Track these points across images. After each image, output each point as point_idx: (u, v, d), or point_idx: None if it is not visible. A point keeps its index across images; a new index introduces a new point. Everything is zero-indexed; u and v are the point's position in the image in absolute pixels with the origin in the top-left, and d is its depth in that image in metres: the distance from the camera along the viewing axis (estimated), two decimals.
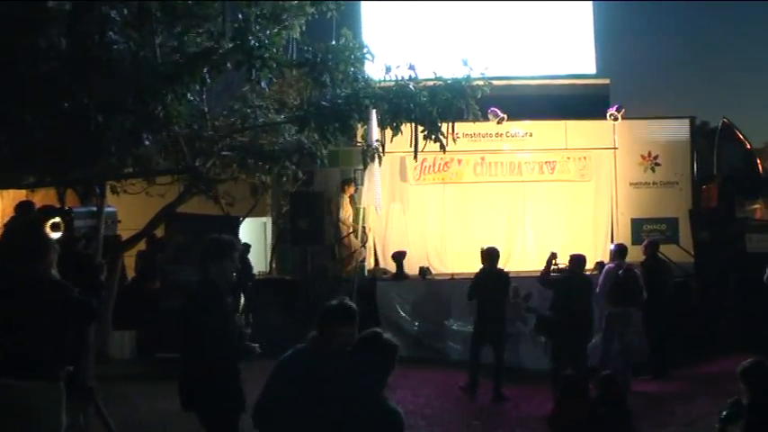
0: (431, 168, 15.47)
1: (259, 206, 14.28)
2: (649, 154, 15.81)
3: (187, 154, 10.34)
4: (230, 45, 8.86)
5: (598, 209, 15.81)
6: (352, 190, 14.67)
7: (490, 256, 11.44)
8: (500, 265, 11.75)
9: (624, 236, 15.23)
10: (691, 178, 15.81)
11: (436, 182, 15.62)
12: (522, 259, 15.07)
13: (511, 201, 15.74)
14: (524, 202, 15.73)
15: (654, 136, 15.95)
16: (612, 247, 12.63)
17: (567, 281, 11.07)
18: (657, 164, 15.77)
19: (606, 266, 11.83)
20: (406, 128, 10.92)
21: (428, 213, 15.70)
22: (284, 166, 11.45)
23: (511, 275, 11.82)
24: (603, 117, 15.30)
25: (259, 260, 15.22)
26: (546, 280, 11.28)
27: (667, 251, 13.67)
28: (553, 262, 11.40)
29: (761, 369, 6.22)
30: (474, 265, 11.89)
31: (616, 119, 15.23)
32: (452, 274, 14.44)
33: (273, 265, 15.28)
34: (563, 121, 15.62)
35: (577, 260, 11.15)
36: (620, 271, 11.40)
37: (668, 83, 19.67)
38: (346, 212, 14.52)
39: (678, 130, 15.96)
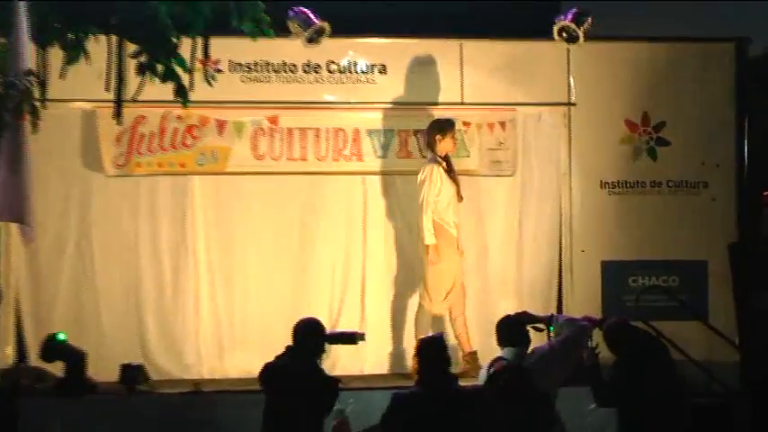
0: (155, 141, 13.79)
1: None
2: (645, 118, 14.09)
3: None
4: None
5: (527, 238, 14.32)
6: (450, 144, 13.25)
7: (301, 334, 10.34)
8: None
9: (590, 300, 13.75)
10: (736, 173, 14.24)
11: (168, 171, 13.96)
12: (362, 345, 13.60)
13: (339, 217, 14.24)
14: (366, 218, 14.16)
15: (655, 78, 14.19)
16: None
17: None
18: (663, 141, 14.10)
19: (482, 370, 10.78)
20: (99, 46, 9.66)
21: (147, 243, 14.12)
22: None
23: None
24: (547, 35, 13.68)
25: None
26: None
27: (680, 333, 12.42)
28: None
29: None
30: (256, 361, 10.42)
31: (573, 38, 13.42)
32: (197, 383, 13.07)
33: None
34: (457, 41, 14.08)
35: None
36: (502, 379, 10.35)
37: None
38: (435, 197, 13.01)
39: (710, 65, 14.31)
